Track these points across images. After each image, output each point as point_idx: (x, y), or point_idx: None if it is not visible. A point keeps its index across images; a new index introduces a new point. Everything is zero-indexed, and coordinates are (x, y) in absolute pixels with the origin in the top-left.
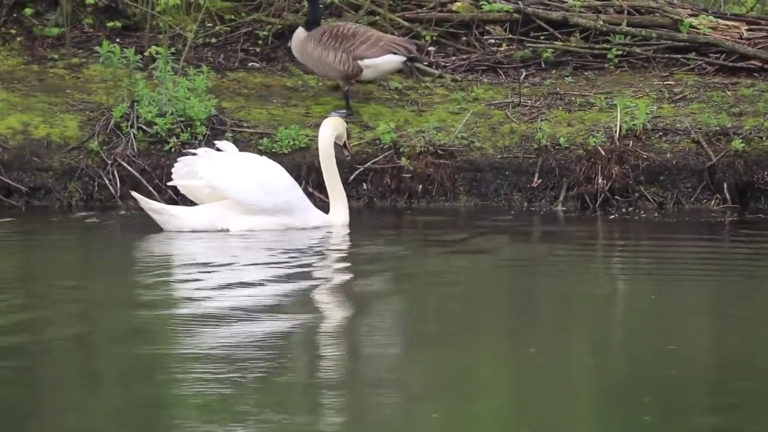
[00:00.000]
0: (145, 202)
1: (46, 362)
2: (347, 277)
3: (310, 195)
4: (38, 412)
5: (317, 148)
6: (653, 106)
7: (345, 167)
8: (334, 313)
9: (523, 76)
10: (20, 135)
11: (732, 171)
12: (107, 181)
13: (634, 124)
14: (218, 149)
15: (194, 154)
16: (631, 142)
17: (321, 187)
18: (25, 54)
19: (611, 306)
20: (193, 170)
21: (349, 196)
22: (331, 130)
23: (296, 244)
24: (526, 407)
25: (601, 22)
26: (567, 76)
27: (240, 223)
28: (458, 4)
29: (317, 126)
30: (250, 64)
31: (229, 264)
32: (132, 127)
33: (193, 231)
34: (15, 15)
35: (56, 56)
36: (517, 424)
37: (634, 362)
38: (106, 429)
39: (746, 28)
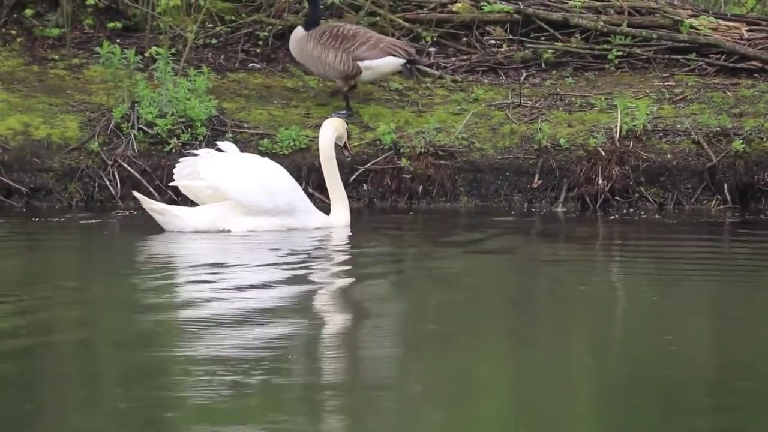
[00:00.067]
0: (146, 202)
1: (46, 364)
2: (348, 278)
3: (310, 196)
4: (39, 414)
5: (318, 149)
6: (653, 106)
7: (345, 168)
8: (335, 315)
9: (523, 77)
10: (21, 136)
11: (732, 172)
12: (108, 182)
13: (634, 125)
14: (220, 150)
15: (196, 155)
16: (632, 142)
17: (321, 187)
18: (25, 55)
19: (611, 306)
20: (194, 171)
21: (349, 197)
22: (331, 131)
23: (297, 245)
24: (527, 408)
25: (602, 23)
26: (567, 77)
27: (241, 224)
28: (458, 5)
29: (318, 127)
30: (250, 64)
31: (230, 265)
32: (132, 127)
33: (195, 231)
34: (15, 16)
35: (57, 57)
36: (518, 426)
37: (634, 362)
38: (107, 430)
39: (747, 28)
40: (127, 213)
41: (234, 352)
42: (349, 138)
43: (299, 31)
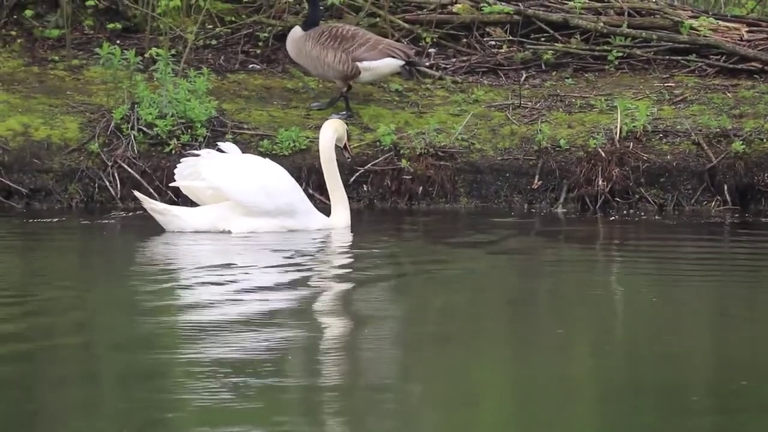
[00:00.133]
0: (147, 202)
1: (47, 365)
2: (349, 279)
3: (310, 197)
4: (40, 416)
5: (318, 150)
6: (653, 107)
7: (345, 169)
8: (336, 317)
9: (523, 78)
10: (21, 137)
11: (732, 173)
12: (108, 183)
13: (634, 126)
14: (221, 151)
15: (197, 155)
16: (632, 143)
17: (321, 188)
18: (25, 56)
19: (612, 307)
20: (195, 171)
21: (349, 198)
22: (331, 132)
23: (298, 247)
24: (527, 409)
25: (602, 24)
26: (567, 78)
27: (242, 225)
28: (459, 5)
29: (317, 128)
30: (250, 65)
31: (231, 267)
32: (132, 128)
33: (195, 232)
34: (15, 17)
35: (56, 58)
36: (518, 427)
37: (634, 363)
38: (107, 431)
39: (747, 29)
40: (127, 214)
41: (235, 354)
42: (349, 139)
43: (297, 31)
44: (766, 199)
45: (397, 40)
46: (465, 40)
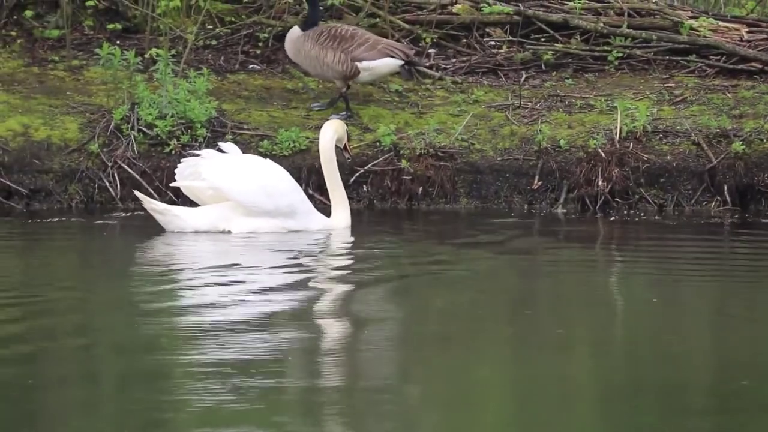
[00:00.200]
0: (148, 202)
1: (47, 367)
2: (350, 280)
3: (310, 197)
4: (40, 417)
5: (317, 151)
6: (653, 108)
7: (345, 169)
8: (337, 318)
9: (523, 78)
10: (20, 137)
11: (732, 173)
12: (107, 184)
13: (634, 126)
14: (221, 151)
15: (198, 156)
16: (632, 144)
17: (321, 189)
18: (25, 56)
19: (612, 308)
20: (196, 171)
21: (349, 198)
22: (331, 133)
23: (298, 247)
24: (528, 410)
25: (602, 25)
26: (567, 78)
27: (242, 225)
28: (458, 6)
29: (317, 128)
30: (250, 66)
31: (232, 268)
32: (132, 129)
33: (195, 232)
34: (15, 17)
35: (56, 58)
36: (518, 428)
37: (635, 363)
38: None
39: (746, 30)
40: (127, 214)
41: (236, 355)
42: (349, 140)
43: (296, 31)
44: (766, 199)
45: (397, 41)
46: (465, 40)
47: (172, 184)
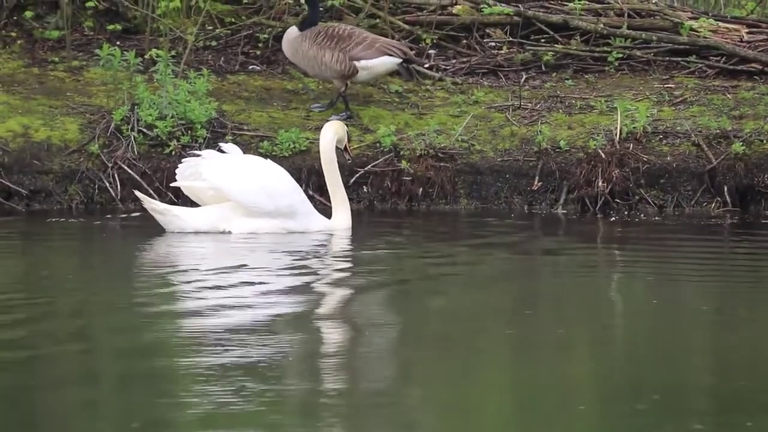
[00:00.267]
0: (148, 202)
1: (47, 369)
2: (351, 282)
3: (310, 198)
4: (40, 419)
5: (318, 152)
6: (653, 109)
7: (345, 170)
8: (338, 320)
9: (523, 79)
10: (21, 138)
11: (732, 174)
12: (108, 184)
13: (634, 127)
14: (222, 151)
15: (198, 156)
16: (632, 145)
17: (321, 190)
18: (25, 57)
19: (612, 308)
20: (197, 172)
21: (349, 199)
22: (332, 134)
23: (299, 248)
24: (528, 411)
25: (602, 25)
26: (567, 79)
27: (242, 226)
28: (458, 7)
29: (318, 129)
30: (250, 67)
31: (232, 269)
32: (132, 130)
33: (196, 232)
34: (15, 18)
35: (57, 59)
36: (519, 429)
37: (635, 364)
38: None
39: (746, 31)
40: (127, 215)
41: (237, 358)
42: (349, 141)
43: (293, 31)
44: (766, 200)
45: (397, 40)
46: (465, 41)
47: (172, 184)
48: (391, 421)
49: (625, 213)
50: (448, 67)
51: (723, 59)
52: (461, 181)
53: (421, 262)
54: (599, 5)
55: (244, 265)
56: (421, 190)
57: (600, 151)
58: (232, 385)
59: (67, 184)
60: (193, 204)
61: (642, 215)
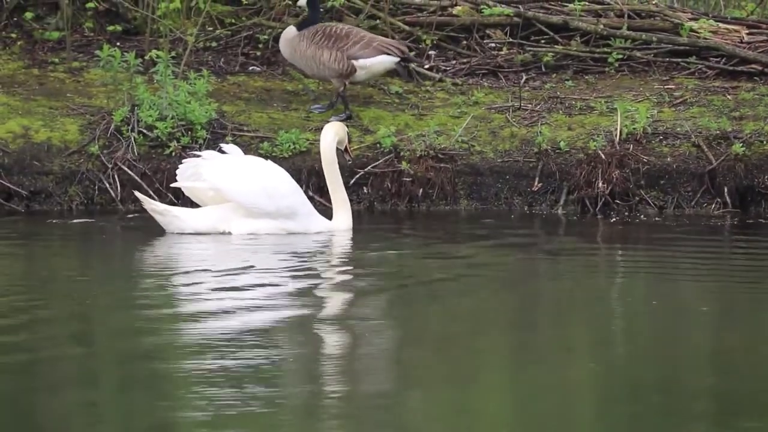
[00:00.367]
0: (148, 202)
1: (48, 372)
2: (352, 283)
3: (310, 199)
4: (41, 422)
5: (318, 152)
6: (654, 109)
7: (346, 171)
8: (339, 321)
9: (523, 80)
10: (21, 139)
11: (732, 175)
12: (108, 185)
13: (634, 128)
14: (223, 152)
15: (199, 156)
16: (632, 145)
17: (321, 191)
18: (25, 58)
19: (612, 309)
20: (197, 172)
21: (349, 200)
22: (332, 135)
23: (300, 250)
24: (528, 412)
25: (602, 26)
26: (567, 80)
27: (242, 226)
28: (459, 8)
29: (318, 130)
30: (250, 67)
31: (232, 271)
32: (132, 131)
33: (196, 233)
34: (15, 19)
35: (57, 60)
36: (519, 429)
37: (635, 365)
38: None
39: (747, 31)
40: (127, 216)
41: (238, 360)
42: (349, 142)
43: (291, 31)
44: (766, 201)
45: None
46: (465, 42)
47: (173, 185)
48: (393, 424)
49: (626, 214)
50: (448, 68)
51: (723, 60)
52: (461, 182)
53: (422, 263)
54: (599, 6)
55: (245, 267)
56: (421, 191)
57: (600, 152)
58: (234, 387)
59: (67, 185)
60: (193, 205)
61: (642, 216)
